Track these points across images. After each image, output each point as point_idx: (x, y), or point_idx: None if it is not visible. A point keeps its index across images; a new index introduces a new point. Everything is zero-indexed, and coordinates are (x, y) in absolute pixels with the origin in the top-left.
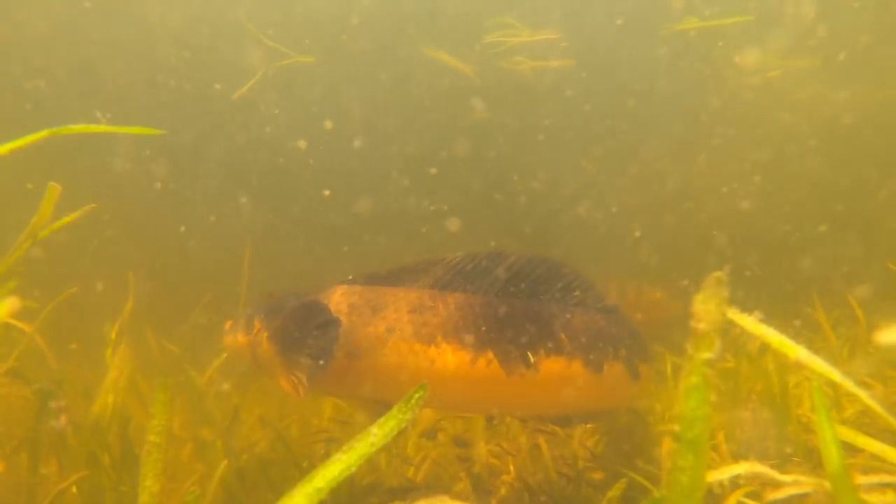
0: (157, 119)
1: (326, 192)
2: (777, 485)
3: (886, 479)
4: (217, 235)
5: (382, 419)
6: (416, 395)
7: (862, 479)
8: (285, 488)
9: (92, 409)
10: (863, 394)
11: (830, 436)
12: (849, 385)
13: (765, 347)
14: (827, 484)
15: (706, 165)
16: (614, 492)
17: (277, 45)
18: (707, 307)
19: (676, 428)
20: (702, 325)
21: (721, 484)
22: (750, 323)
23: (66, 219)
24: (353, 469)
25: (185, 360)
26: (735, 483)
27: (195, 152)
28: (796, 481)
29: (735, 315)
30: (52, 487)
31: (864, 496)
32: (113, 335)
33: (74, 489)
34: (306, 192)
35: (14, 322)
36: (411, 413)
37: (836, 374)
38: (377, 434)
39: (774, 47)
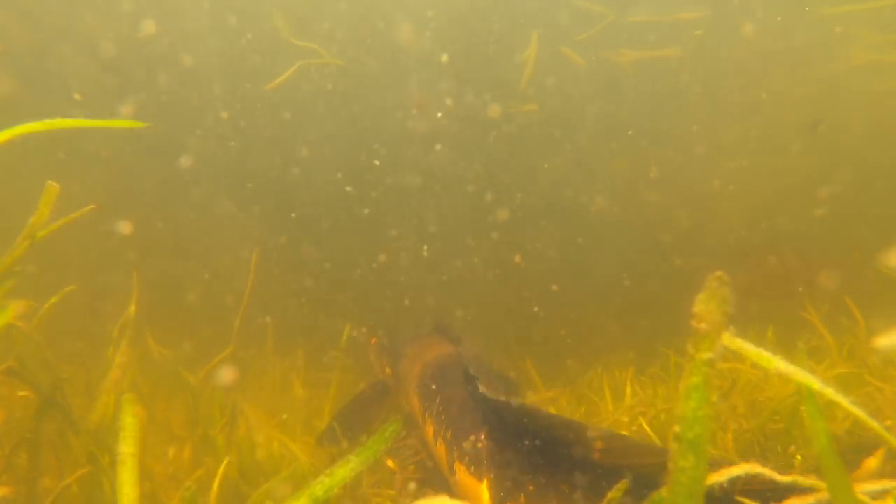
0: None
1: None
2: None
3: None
4: (223, 238)
5: (360, 448)
6: (390, 429)
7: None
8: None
9: (92, 410)
10: (844, 401)
11: (821, 427)
12: (830, 393)
13: None
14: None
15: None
16: (614, 493)
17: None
18: (709, 307)
19: (677, 428)
20: (703, 326)
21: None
22: (726, 338)
23: (65, 219)
24: (335, 490)
25: (181, 362)
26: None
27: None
28: (795, 482)
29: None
30: (52, 487)
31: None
32: (115, 334)
33: (74, 489)
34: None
35: (15, 322)
36: (385, 445)
37: (816, 383)
38: (355, 461)
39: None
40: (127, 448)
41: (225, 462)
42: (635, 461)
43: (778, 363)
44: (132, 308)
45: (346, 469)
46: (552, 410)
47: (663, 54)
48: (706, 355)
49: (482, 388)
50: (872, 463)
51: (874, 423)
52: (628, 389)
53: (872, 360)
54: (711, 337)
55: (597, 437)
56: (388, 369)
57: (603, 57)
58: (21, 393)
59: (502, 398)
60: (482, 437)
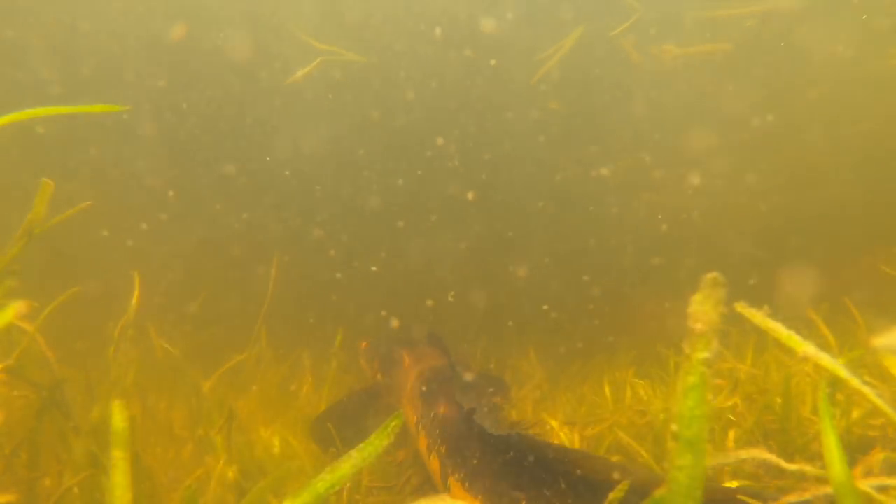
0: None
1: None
2: (781, 474)
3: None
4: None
5: (362, 444)
6: (392, 424)
7: (865, 483)
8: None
9: (92, 410)
10: (868, 391)
11: (833, 441)
12: (854, 382)
13: (761, 348)
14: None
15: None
16: (616, 493)
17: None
18: (704, 308)
19: (675, 427)
20: (699, 326)
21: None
22: (759, 318)
23: (62, 216)
24: (337, 487)
25: (186, 361)
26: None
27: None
28: (801, 470)
29: (744, 310)
30: (52, 488)
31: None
32: (116, 334)
33: (75, 490)
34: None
35: (16, 321)
36: (387, 440)
37: (842, 371)
38: (357, 457)
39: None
40: (118, 452)
41: (222, 461)
42: (623, 478)
43: (807, 347)
44: (133, 308)
45: (348, 465)
46: (552, 410)
47: (712, 49)
48: (702, 355)
49: (479, 420)
50: (870, 461)
51: (890, 411)
52: (628, 390)
53: (871, 360)
54: (707, 337)
55: (586, 458)
56: (379, 375)
57: (649, 53)
58: (21, 393)
59: (500, 432)
60: (476, 453)
